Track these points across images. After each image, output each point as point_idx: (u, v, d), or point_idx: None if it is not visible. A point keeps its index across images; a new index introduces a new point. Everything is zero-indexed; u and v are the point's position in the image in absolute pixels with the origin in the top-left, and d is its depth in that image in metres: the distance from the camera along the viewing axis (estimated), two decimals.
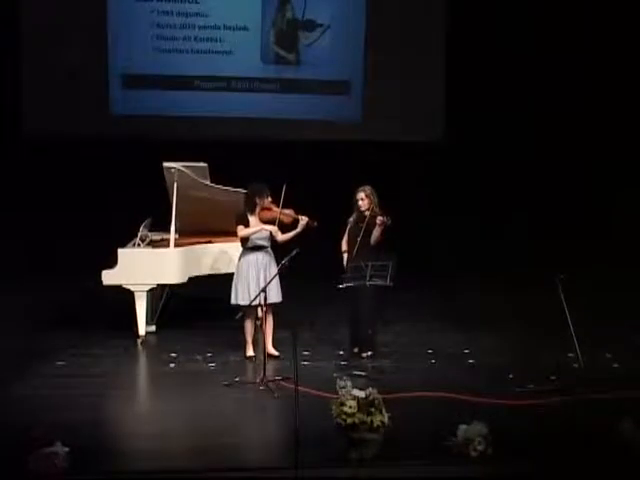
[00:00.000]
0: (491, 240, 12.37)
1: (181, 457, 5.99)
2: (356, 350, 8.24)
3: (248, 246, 8.24)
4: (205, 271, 9.11)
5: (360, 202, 8.24)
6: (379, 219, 8.04)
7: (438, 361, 8.27)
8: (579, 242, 12.05)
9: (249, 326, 8.29)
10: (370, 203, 8.20)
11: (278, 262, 8.04)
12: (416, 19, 13.54)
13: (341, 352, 8.37)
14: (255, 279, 8.10)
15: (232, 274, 8.36)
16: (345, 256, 8.33)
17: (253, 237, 8.20)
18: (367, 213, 8.16)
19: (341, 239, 8.43)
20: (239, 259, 8.32)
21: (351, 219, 8.36)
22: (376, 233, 8.15)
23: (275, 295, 8.06)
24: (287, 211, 8.26)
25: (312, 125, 13.42)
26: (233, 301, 8.20)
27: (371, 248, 8.13)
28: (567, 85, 13.18)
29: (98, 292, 9.25)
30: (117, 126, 13.05)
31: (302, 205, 8.25)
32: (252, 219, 8.23)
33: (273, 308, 8.16)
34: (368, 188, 8.26)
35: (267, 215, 8.26)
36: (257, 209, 8.25)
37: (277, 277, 7.99)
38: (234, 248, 8.80)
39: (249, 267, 8.16)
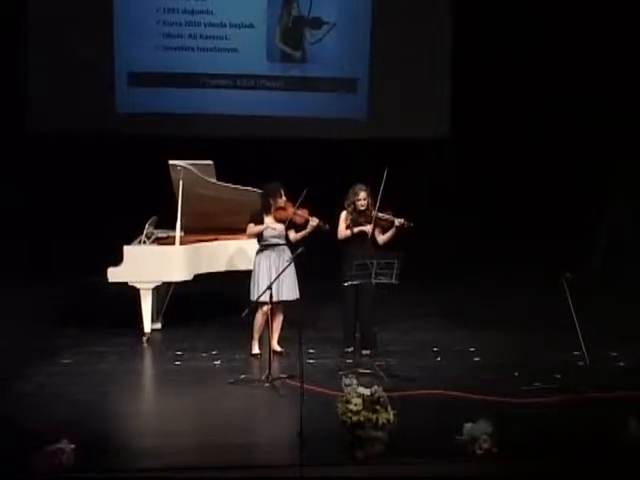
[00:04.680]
0: (496, 237, 12.34)
1: (186, 455, 5.98)
2: (349, 350, 8.19)
3: (262, 244, 8.28)
4: (211, 269, 9.10)
5: (363, 202, 8.15)
6: (398, 221, 8.01)
7: (444, 359, 8.26)
8: (584, 240, 12.03)
9: (258, 323, 8.28)
10: (370, 203, 8.15)
11: None
12: (422, 17, 13.51)
13: (347, 350, 8.36)
14: (267, 276, 8.10)
15: (237, 272, 8.37)
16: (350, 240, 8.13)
17: (266, 235, 8.23)
18: (374, 213, 8.08)
19: (335, 231, 8.22)
20: (255, 257, 8.34)
21: (349, 217, 8.22)
22: (389, 234, 8.14)
23: (288, 292, 8.10)
24: (300, 212, 8.24)
25: (318, 123, 13.40)
26: (251, 297, 8.21)
27: (378, 249, 8.09)
28: (573, 81, 13.13)
29: (103, 289, 9.26)
30: (123, 124, 13.04)
31: (308, 203, 8.23)
32: (268, 219, 8.26)
33: (284, 305, 8.19)
34: (365, 187, 8.20)
35: (282, 215, 8.26)
36: (272, 209, 8.28)
37: (294, 274, 8.06)
38: (240, 246, 8.81)
39: (261, 264, 8.20)
